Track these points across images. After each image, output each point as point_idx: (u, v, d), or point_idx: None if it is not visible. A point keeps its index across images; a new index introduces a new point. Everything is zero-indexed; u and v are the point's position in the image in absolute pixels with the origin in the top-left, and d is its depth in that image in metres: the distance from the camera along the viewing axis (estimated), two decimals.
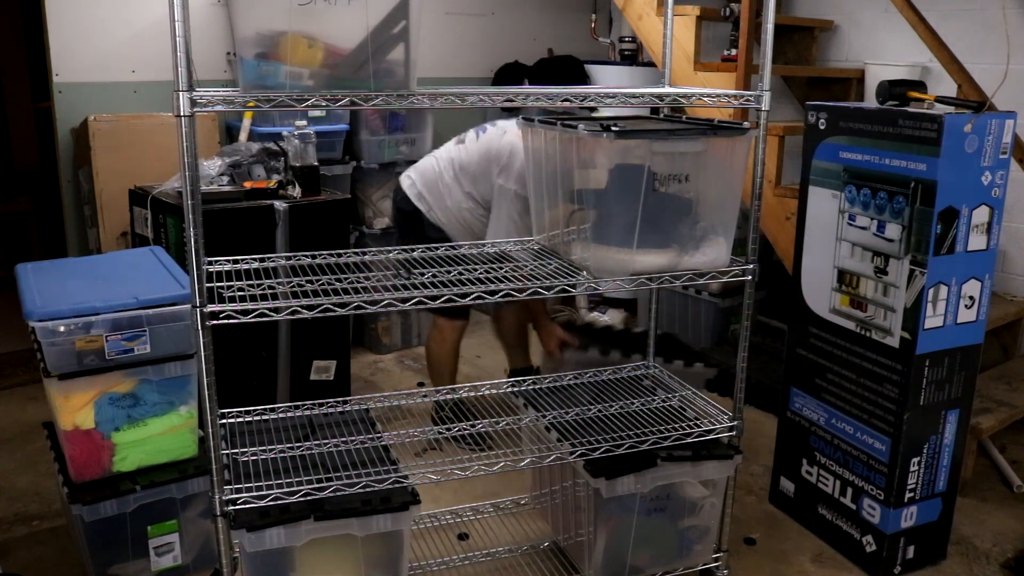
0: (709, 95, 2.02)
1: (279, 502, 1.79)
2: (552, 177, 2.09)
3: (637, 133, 1.88)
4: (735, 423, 2.17)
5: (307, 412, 2.17)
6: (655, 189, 1.89)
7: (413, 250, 2.23)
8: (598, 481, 2.02)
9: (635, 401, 2.30)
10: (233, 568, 1.86)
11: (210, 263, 2.03)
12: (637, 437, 2.08)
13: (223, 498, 1.77)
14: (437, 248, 2.25)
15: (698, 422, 2.19)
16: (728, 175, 1.99)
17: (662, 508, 2.14)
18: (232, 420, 2.11)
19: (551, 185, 2.11)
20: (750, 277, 2.05)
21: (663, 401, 2.31)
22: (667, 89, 1.97)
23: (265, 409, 2.16)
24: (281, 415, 2.16)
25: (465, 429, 2.16)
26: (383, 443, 2.03)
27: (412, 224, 3.08)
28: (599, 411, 2.24)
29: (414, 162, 4.11)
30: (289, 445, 2.00)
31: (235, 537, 1.79)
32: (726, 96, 2.00)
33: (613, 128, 1.81)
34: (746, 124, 1.94)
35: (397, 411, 2.36)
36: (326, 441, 2.02)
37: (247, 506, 1.79)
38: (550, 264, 2.08)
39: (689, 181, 1.93)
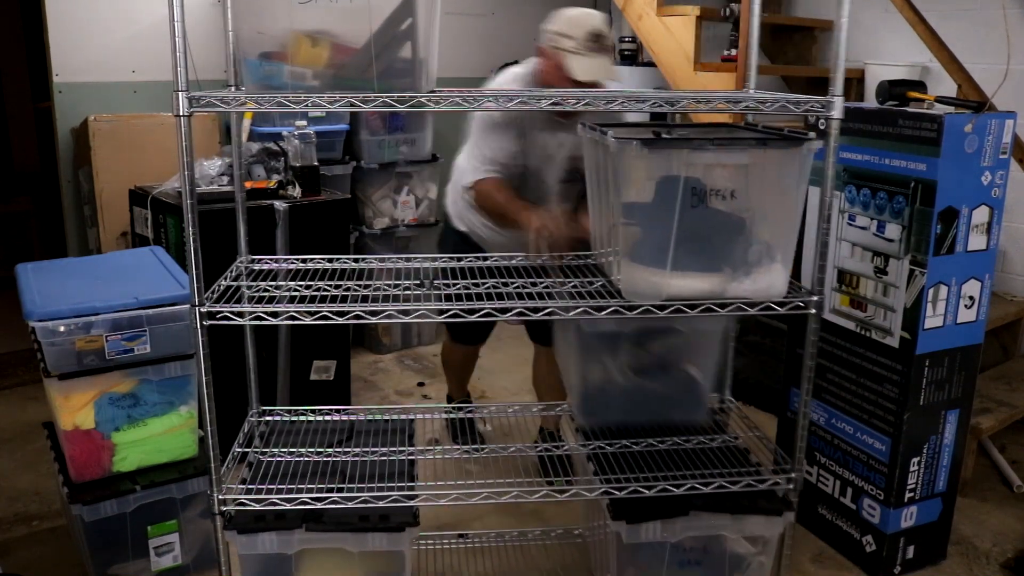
0: (772, 100, 1.78)
1: (275, 507, 1.79)
2: (600, 187, 1.93)
3: (670, 143, 1.70)
4: (793, 475, 1.90)
5: (349, 417, 2.17)
6: (695, 206, 1.68)
7: (461, 259, 2.11)
8: (618, 524, 1.86)
9: (694, 438, 2.08)
10: (231, 569, 1.86)
11: (253, 260, 2.09)
12: (673, 479, 1.87)
13: (220, 497, 1.78)
14: (487, 259, 2.11)
15: (754, 469, 1.98)
16: (785, 191, 1.76)
17: (697, 561, 1.93)
18: (273, 419, 2.12)
19: (601, 196, 1.94)
20: (814, 311, 1.80)
21: (724, 442, 2.09)
22: (750, 93, 1.79)
23: (308, 410, 2.17)
24: (323, 417, 2.15)
25: (498, 452, 2.10)
26: (411, 457, 1.98)
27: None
28: (648, 446, 2.03)
29: (415, 162, 4.13)
30: (317, 450, 1.99)
31: (227, 538, 1.79)
32: (789, 102, 1.75)
33: (663, 136, 1.68)
34: (811, 135, 1.74)
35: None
36: (356, 449, 2.00)
37: (244, 508, 1.79)
38: (595, 283, 1.91)
39: (736, 197, 1.72)
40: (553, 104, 1.67)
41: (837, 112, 1.70)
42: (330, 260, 2.10)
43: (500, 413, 2.32)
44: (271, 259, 2.12)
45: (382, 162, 3.99)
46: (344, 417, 2.17)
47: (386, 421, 2.16)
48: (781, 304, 1.78)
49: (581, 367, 2.07)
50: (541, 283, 1.95)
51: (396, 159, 4.02)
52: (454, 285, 1.91)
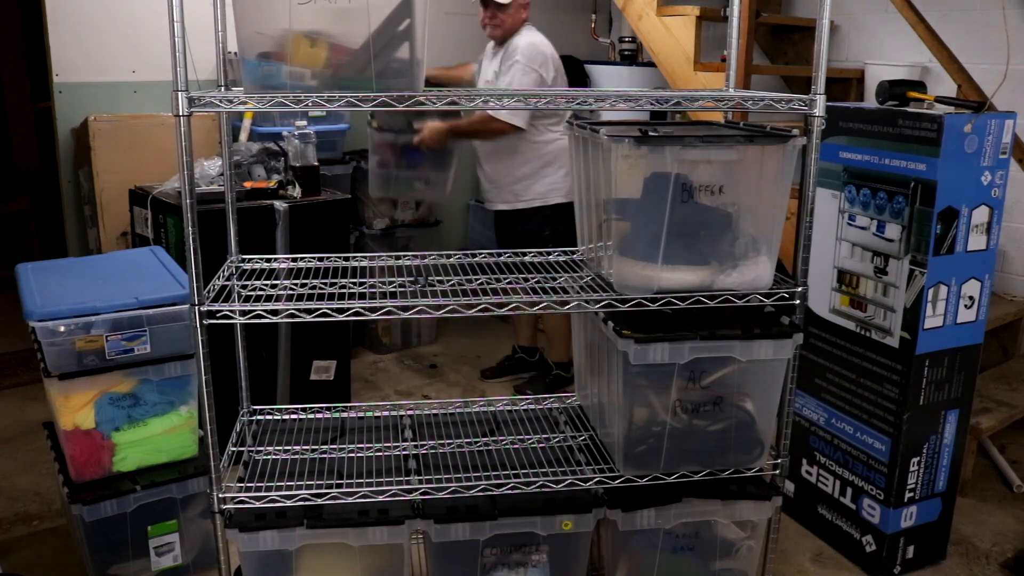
0: (757, 98, 1.85)
1: (275, 505, 1.79)
2: (590, 184, 1.96)
3: (661, 139, 1.72)
4: (779, 460, 1.96)
5: (341, 415, 2.17)
6: (684, 201, 1.73)
7: (451, 256, 2.14)
8: (614, 512, 1.91)
9: None
10: (231, 567, 1.86)
11: (244, 260, 2.08)
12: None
13: (220, 496, 1.78)
14: (475, 255, 2.16)
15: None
16: (770, 186, 1.80)
17: (690, 547, 1.98)
18: (264, 418, 2.12)
19: (589, 192, 1.98)
20: (798, 301, 1.86)
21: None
22: (731, 92, 1.83)
23: (298, 408, 2.17)
24: (313, 415, 2.16)
25: (489, 444, 2.05)
26: (405, 452, 2.00)
27: None
28: None
29: None
30: (312, 447, 2.00)
31: (229, 536, 1.79)
32: (773, 100, 1.80)
33: (652, 133, 1.70)
34: (794, 131, 1.77)
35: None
36: (350, 446, 2.01)
37: (245, 506, 1.79)
38: (583, 278, 1.95)
39: (724, 192, 1.76)
40: (547, 103, 1.73)
41: (819, 110, 1.76)
42: (320, 259, 2.10)
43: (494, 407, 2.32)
44: (261, 258, 2.11)
45: None
46: (335, 415, 2.17)
47: (377, 418, 2.18)
48: (767, 295, 1.83)
49: (626, 409, 1.87)
50: (532, 278, 1.98)
51: None
52: (447, 281, 1.95)
